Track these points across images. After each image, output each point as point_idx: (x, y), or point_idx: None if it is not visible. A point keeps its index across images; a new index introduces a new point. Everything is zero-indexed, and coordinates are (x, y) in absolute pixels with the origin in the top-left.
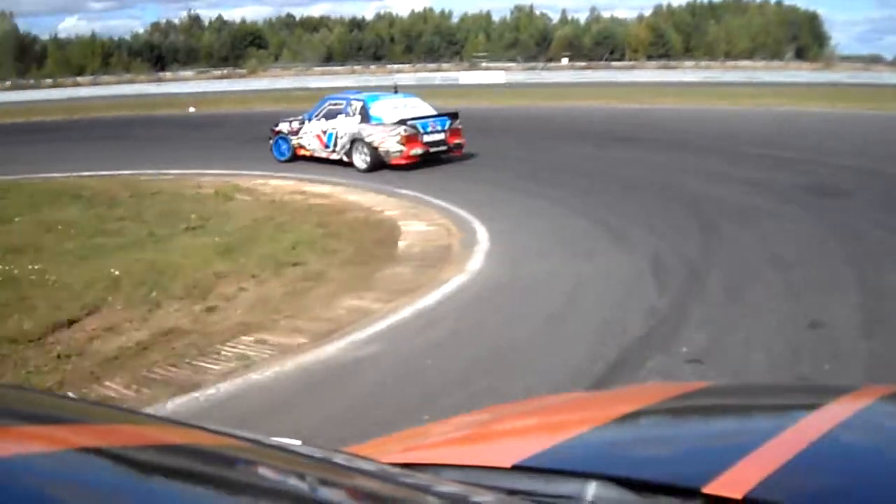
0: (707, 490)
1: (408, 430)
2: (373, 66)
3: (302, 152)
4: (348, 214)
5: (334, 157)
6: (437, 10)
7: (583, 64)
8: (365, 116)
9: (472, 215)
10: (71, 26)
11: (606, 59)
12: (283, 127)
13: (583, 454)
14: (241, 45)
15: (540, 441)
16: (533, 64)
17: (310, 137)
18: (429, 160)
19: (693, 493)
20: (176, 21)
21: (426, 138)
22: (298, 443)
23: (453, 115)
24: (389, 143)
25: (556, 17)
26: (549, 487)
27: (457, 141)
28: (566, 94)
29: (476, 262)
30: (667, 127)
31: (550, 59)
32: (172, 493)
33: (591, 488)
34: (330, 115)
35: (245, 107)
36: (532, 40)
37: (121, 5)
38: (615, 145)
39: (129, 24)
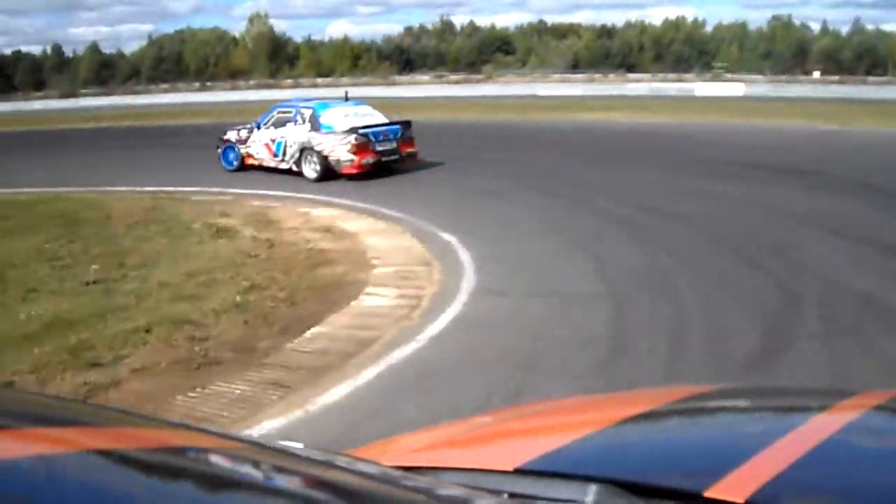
0: (709, 494)
1: (410, 434)
2: (611, 75)
3: (251, 161)
4: (326, 270)
5: (283, 166)
6: (690, 18)
7: (835, 78)
8: (315, 125)
9: (477, 279)
10: (338, 30)
11: (865, 74)
12: (232, 135)
13: (585, 458)
14: (488, 51)
15: (542, 444)
16: (775, 77)
17: (258, 146)
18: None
19: (695, 497)
20: (429, 26)
21: (378, 147)
22: (300, 446)
23: (406, 124)
24: (340, 151)
25: (816, 28)
26: (551, 491)
27: (410, 150)
28: (789, 110)
29: (355, 382)
30: (852, 157)
31: (806, 73)
32: (175, 496)
33: (593, 492)
34: (279, 124)
35: (456, 114)
36: (788, 52)
37: (387, 10)
38: (774, 180)
39: (395, 29)
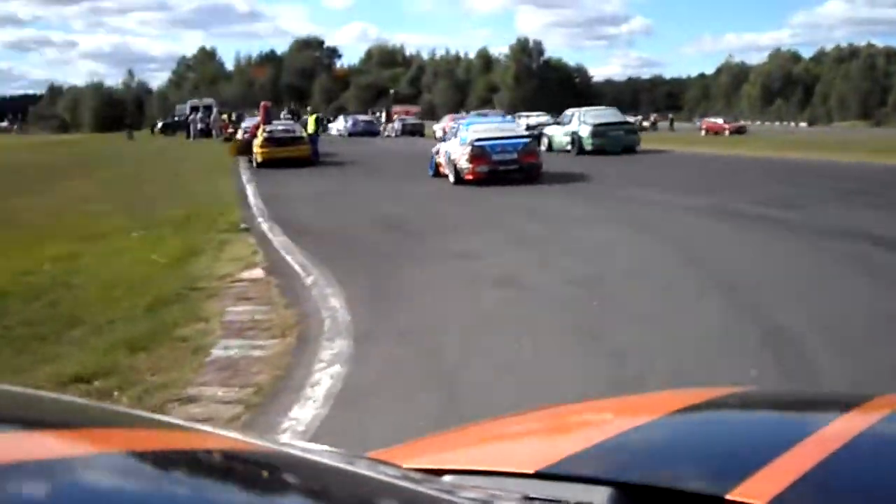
0: (730, 497)
1: (431, 436)
2: None
3: (441, 170)
4: None
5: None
6: None
7: None
8: (459, 138)
9: None
10: None
11: None
12: (434, 149)
13: (606, 461)
14: None
15: (563, 447)
16: None
17: (441, 157)
18: None
19: (716, 500)
20: None
21: (494, 157)
22: (322, 447)
23: (533, 138)
24: (462, 161)
25: None
26: (572, 494)
27: (531, 161)
28: None
29: None
30: None
31: None
32: (196, 498)
33: (614, 496)
34: (450, 137)
35: None
36: None
37: None
38: None
39: None
